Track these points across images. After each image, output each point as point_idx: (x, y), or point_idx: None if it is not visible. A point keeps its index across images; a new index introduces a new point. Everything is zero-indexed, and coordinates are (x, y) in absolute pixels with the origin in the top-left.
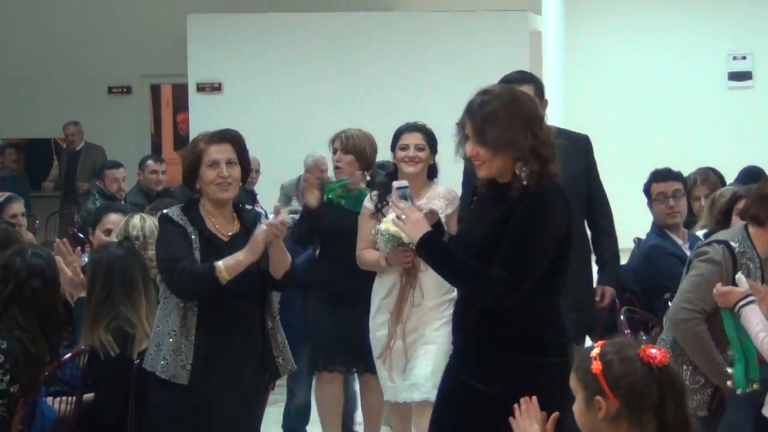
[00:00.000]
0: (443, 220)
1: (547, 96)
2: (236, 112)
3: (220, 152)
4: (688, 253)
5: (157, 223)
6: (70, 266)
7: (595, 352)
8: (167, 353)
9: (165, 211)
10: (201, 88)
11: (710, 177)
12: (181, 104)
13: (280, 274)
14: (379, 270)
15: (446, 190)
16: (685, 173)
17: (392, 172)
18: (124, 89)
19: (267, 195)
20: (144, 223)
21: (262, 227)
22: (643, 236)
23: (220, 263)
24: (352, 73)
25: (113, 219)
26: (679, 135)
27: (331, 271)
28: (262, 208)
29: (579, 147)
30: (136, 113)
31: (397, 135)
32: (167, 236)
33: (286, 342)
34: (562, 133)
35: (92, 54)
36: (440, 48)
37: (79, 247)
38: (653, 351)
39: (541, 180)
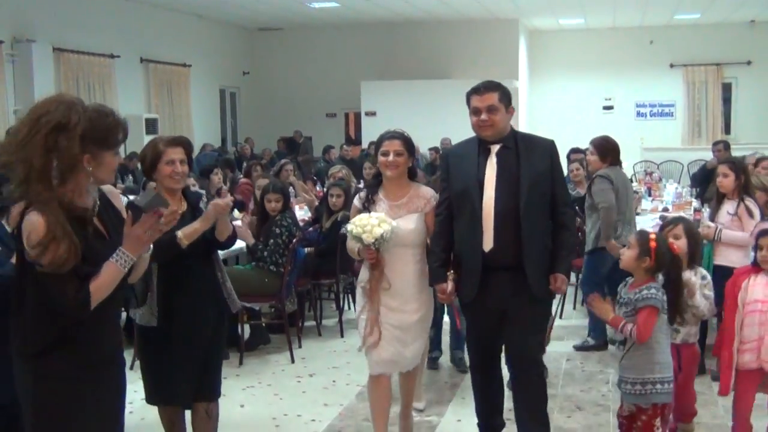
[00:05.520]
0: (422, 216)
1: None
2: (383, 127)
3: (176, 153)
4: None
5: (346, 171)
6: (303, 194)
7: (653, 236)
8: (141, 305)
9: (131, 198)
10: (367, 114)
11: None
12: (357, 121)
13: (224, 238)
14: (359, 259)
15: (426, 190)
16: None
17: (377, 174)
18: (333, 114)
19: None
20: (342, 169)
21: (215, 203)
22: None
23: (179, 232)
24: (441, 113)
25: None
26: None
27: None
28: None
29: (544, 150)
30: (338, 126)
31: (379, 142)
32: (136, 217)
33: (232, 288)
34: (531, 138)
35: (321, 97)
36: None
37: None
38: (674, 245)
39: None
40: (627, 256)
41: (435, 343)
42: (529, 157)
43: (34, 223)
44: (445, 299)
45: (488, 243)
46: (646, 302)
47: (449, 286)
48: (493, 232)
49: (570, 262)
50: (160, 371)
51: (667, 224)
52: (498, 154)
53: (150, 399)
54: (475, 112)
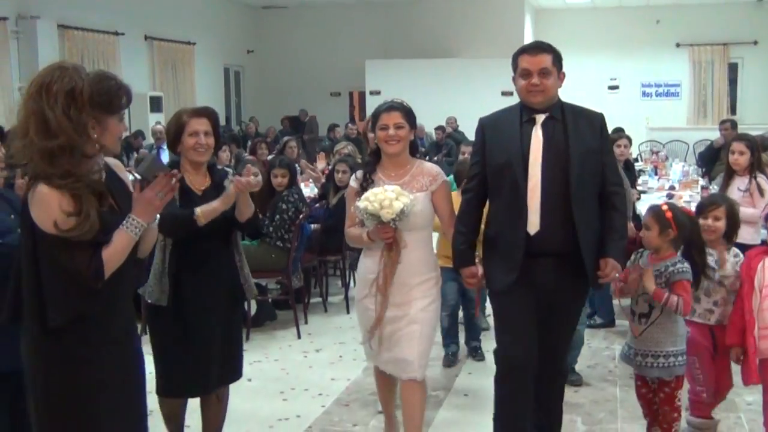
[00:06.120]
0: (428, 196)
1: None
2: None
3: (200, 124)
4: None
5: (352, 147)
6: (308, 171)
7: (665, 206)
8: (152, 282)
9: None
10: (371, 93)
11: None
12: (362, 100)
13: (244, 219)
14: (365, 245)
15: (430, 166)
16: None
17: (375, 151)
18: (338, 93)
19: None
20: (348, 145)
21: (237, 180)
22: None
23: (198, 209)
24: (442, 86)
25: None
26: None
27: None
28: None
29: (594, 124)
30: (343, 105)
31: (376, 116)
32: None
33: (250, 272)
34: (580, 109)
35: (325, 76)
36: (477, 77)
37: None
38: (687, 209)
39: None
40: (649, 236)
41: (451, 336)
42: (577, 130)
43: (54, 195)
44: (473, 284)
45: (534, 225)
46: (683, 275)
47: (479, 269)
48: (540, 212)
49: (623, 247)
50: (171, 360)
51: (708, 204)
52: (543, 125)
53: (160, 390)
54: (524, 74)
